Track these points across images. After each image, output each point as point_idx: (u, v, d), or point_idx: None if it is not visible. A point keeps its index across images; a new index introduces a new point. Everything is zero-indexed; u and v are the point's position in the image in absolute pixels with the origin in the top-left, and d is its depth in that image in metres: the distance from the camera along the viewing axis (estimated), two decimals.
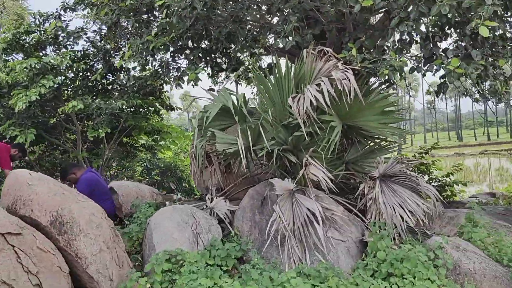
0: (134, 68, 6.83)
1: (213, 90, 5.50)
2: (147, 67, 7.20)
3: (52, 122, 8.92)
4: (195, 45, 5.88)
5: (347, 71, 4.01)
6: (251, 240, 4.02)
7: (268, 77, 4.70)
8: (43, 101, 7.73)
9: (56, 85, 7.57)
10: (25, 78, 6.97)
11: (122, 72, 7.70)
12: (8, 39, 7.56)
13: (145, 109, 8.56)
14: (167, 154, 11.83)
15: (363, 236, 4.01)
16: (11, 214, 2.96)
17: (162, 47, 5.36)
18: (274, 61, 4.61)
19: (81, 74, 8.28)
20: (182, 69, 5.92)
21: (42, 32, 7.70)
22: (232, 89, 5.11)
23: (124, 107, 7.38)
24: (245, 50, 5.63)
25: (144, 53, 5.30)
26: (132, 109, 8.11)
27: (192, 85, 5.13)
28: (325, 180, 3.91)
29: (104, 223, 3.22)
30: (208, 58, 5.95)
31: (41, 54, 7.90)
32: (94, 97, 8.61)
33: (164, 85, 8.41)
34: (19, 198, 3.15)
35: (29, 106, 6.74)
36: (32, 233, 2.81)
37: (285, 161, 4.43)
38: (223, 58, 6.15)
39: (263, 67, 6.90)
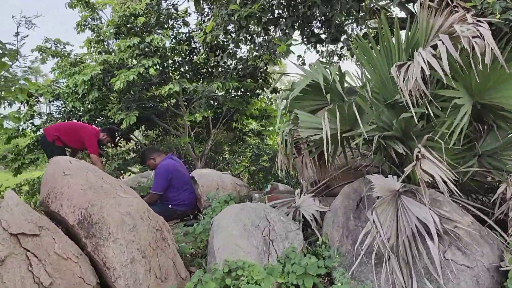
0: (226, 45, 6.29)
1: (304, 64, 4.63)
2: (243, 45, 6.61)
3: (163, 106, 8.99)
4: (289, 14, 5.06)
5: (480, 25, 2.80)
6: (341, 253, 3.14)
7: (374, 46, 3.67)
8: (148, 84, 7.72)
9: (159, 68, 7.47)
10: (129, 59, 6.93)
11: (222, 52, 7.24)
12: (116, 22, 7.62)
13: (244, 92, 8.03)
14: (277, 139, 11.26)
15: (502, 261, 2.83)
16: (43, 209, 2.60)
17: (250, 17, 4.65)
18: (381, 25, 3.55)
19: (187, 57, 8.08)
20: (272, 42, 5.15)
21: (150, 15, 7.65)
22: (329, 65, 4.16)
23: (220, 89, 6.92)
24: (346, 15, 4.63)
25: (230, 25, 4.66)
26: (231, 92, 7.63)
27: (278, 61, 4.34)
28: (445, 179, 2.81)
29: (143, 225, 2.67)
30: (305, 28, 5.09)
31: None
32: (200, 81, 8.40)
33: (268, 65, 7.78)
34: (52, 190, 2.79)
35: (128, 87, 6.67)
36: (51, 234, 2.38)
37: (390, 151, 3.40)
38: (322, 27, 5.22)
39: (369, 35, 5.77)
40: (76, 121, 8.24)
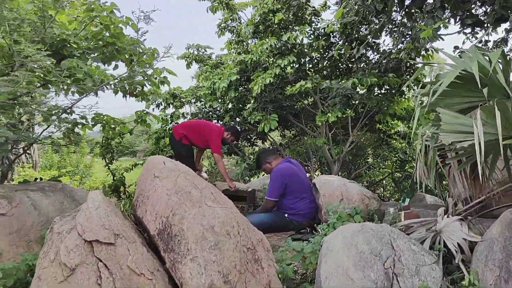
0: (363, 36, 5.61)
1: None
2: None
3: (299, 106, 8.70)
4: None
5: None
6: None
7: None
8: (284, 83, 7.49)
9: (295, 65, 7.18)
10: (266, 60, 6.78)
11: (359, 44, 6.57)
12: (255, 21, 7.56)
13: (388, 89, 7.18)
14: None
15: None
16: (132, 212, 2.43)
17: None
18: None
19: (325, 53, 7.63)
20: (416, 28, 4.33)
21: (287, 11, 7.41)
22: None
23: (360, 87, 6.27)
24: None
25: (365, 11, 4.05)
26: (372, 89, 6.89)
27: (426, 50, 3.55)
28: None
29: (228, 242, 2.27)
30: (459, 8, 4.14)
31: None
32: (338, 78, 7.86)
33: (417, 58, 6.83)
34: (140, 193, 2.62)
35: (264, 89, 6.53)
36: (127, 244, 2.15)
37: None
38: (482, 5, 4.19)
39: None
40: (209, 120, 8.47)
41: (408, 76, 6.85)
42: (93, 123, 6.67)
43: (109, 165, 8.71)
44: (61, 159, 13.89)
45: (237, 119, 8.49)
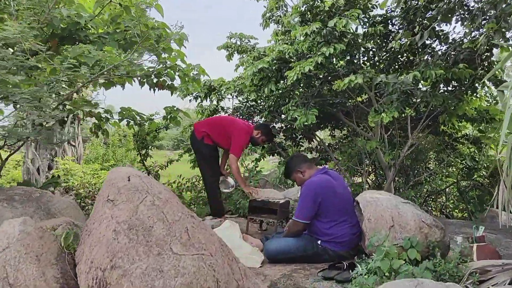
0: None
1: None
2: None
3: (351, 103, 7.80)
4: None
5: None
6: None
7: None
8: (333, 77, 6.64)
9: (346, 57, 6.34)
10: (309, 49, 5.99)
11: (422, 30, 5.58)
12: (302, 9, 6.77)
13: (457, 86, 6.13)
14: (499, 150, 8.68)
15: None
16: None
17: None
18: None
19: (383, 43, 6.69)
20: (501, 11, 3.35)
21: None
22: None
23: (422, 82, 5.32)
24: None
25: None
26: (436, 85, 5.89)
27: None
28: None
29: None
30: None
31: None
32: (398, 72, 6.89)
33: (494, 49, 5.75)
34: (87, 224, 1.92)
35: (307, 79, 5.77)
36: None
37: None
38: None
39: None
40: (251, 117, 7.79)
41: (482, 71, 5.77)
42: (119, 118, 6.22)
43: (144, 161, 8.32)
44: (106, 153, 13.85)
45: (281, 116, 7.78)
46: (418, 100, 6.01)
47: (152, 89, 5.85)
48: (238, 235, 3.16)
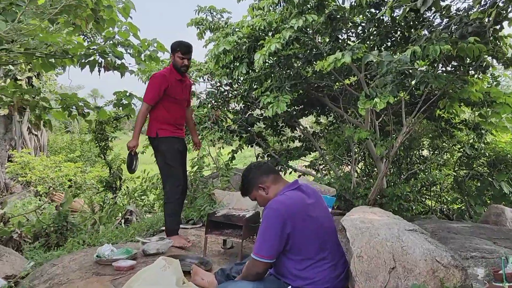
0: None
1: None
2: None
3: (337, 86, 6.93)
4: None
5: None
6: None
7: None
8: (313, 55, 5.74)
9: (329, 32, 5.44)
10: (282, 21, 5.09)
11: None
12: None
13: (460, 65, 5.28)
14: (502, 137, 7.92)
15: None
16: None
17: None
18: None
19: (373, 16, 5.77)
20: None
21: None
22: None
23: (419, 62, 4.45)
24: None
25: None
26: (436, 65, 5.03)
27: None
28: None
29: None
30: None
31: None
32: (390, 50, 6.00)
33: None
34: None
35: (280, 60, 4.87)
36: None
37: None
38: None
39: None
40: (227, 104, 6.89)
41: (493, 46, 4.92)
42: (60, 106, 5.29)
43: (104, 155, 7.38)
44: (72, 142, 12.82)
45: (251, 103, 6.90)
46: (414, 82, 5.15)
47: (98, 72, 4.92)
48: (175, 280, 2.27)
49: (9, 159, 11.46)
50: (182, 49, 3.86)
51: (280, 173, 7.39)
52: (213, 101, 7.09)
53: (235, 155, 7.26)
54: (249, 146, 7.42)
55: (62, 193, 9.34)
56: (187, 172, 4.27)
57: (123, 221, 5.17)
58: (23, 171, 10.27)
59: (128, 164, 3.84)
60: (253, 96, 5.91)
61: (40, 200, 9.12)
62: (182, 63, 3.87)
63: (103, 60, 4.80)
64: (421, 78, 4.52)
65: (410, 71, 4.52)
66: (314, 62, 5.87)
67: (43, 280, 2.84)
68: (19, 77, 10.82)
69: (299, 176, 7.68)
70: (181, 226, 4.38)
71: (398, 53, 5.86)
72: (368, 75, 6.12)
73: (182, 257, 3.07)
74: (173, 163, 3.84)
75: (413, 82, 5.64)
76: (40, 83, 11.39)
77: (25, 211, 6.85)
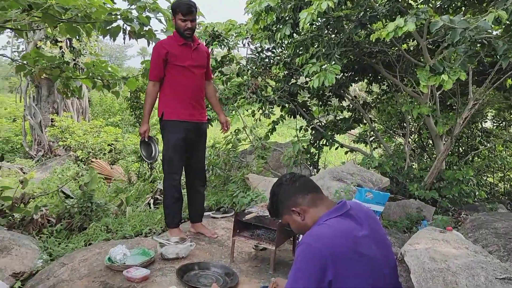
0: None
1: None
2: None
3: (393, 52, 6.13)
4: None
5: None
6: None
7: None
8: (369, 18, 4.99)
9: None
10: None
11: None
12: None
13: None
14: None
15: None
16: None
17: None
18: None
19: None
20: None
21: None
22: None
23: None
24: None
25: None
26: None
27: None
28: None
29: None
30: None
31: None
32: (459, 12, 5.14)
33: None
34: None
35: (330, 23, 4.22)
36: None
37: None
38: None
39: None
40: (268, 71, 6.28)
41: None
42: (84, 77, 4.94)
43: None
44: (111, 106, 12.70)
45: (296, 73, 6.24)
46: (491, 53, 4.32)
47: (123, 39, 4.50)
48: None
49: (52, 122, 11.54)
50: (182, 9, 3.27)
51: (326, 148, 6.92)
52: (254, 68, 6.52)
53: (276, 126, 6.75)
54: (292, 117, 6.84)
55: (101, 159, 9.28)
56: (203, 161, 3.69)
57: (152, 201, 4.85)
58: (63, 136, 10.28)
59: (144, 153, 3.40)
60: (297, 63, 5.27)
61: (78, 166, 9.08)
62: (185, 26, 3.28)
63: (128, 27, 4.32)
64: (505, 51, 3.71)
65: (490, 40, 3.71)
66: (369, 26, 5.13)
67: (48, 286, 2.52)
68: (59, 39, 10.68)
69: (346, 152, 7.04)
70: (210, 214, 3.98)
71: (469, 16, 5.00)
72: (431, 41, 5.30)
73: (205, 265, 2.65)
74: (172, 154, 3.34)
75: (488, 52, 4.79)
76: (80, 45, 11.19)
77: (45, 189, 6.63)
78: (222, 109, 3.95)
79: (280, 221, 2.00)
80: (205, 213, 3.93)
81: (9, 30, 4.34)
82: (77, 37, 10.85)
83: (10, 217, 3.86)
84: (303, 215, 1.83)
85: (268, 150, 4.89)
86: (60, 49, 10.62)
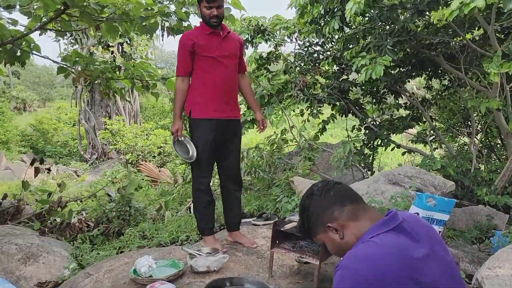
0: None
1: None
2: None
3: (455, 43, 5.57)
4: None
5: None
6: None
7: None
8: (428, 4, 4.53)
9: None
10: None
11: None
12: None
13: None
14: None
15: None
16: None
17: None
18: None
19: None
20: None
21: None
22: None
23: None
24: None
25: None
26: None
27: None
28: None
29: None
30: None
31: None
32: None
33: None
34: None
35: (382, 12, 3.84)
36: None
37: None
38: None
39: None
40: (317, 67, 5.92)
41: None
42: (122, 77, 4.83)
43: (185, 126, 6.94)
44: (163, 110, 12.80)
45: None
46: None
47: (161, 36, 4.31)
48: None
49: (105, 125, 11.83)
50: None
51: (381, 149, 6.42)
52: (302, 64, 6.17)
53: (326, 126, 6.36)
54: (343, 116, 6.42)
55: (150, 161, 9.33)
56: (238, 162, 3.35)
57: (192, 205, 4.65)
58: (113, 139, 10.46)
59: (181, 153, 3.15)
60: (345, 56, 4.88)
61: (127, 169, 9.17)
62: (211, 13, 2.97)
63: (166, 23, 4.16)
64: None
65: None
66: (427, 13, 4.64)
67: None
68: (110, 43, 10.91)
69: (403, 153, 6.51)
70: (251, 221, 3.67)
71: None
72: (500, 27, 4.71)
73: (238, 280, 2.36)
74: (201, 155, 3.04)
75: None
76: (131, 49, 11.37)
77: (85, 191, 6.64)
78: (259, 106, 3.59)
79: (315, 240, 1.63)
80: (246, 220, 3.65)
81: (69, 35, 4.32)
82: (128, 41, 11.04)
83: (49, 221, 3.80)
84: (342, 231, 1.45)
85: (316, 151, 4.52)
86: (111, 54, 10.86)
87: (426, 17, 4.85)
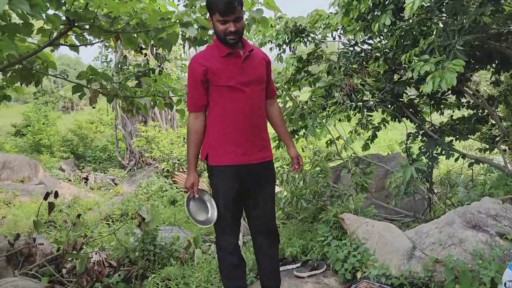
0: None
1: None
2: None
3: None
4: None
5: None
6: None
7: None
8: None
9: None
10: None
11: None
12: None
13: None
14: None
15: None
16: None
17: None
18: None
19: None
20: None
21: None
22: None
23: None
24: None
25: None
26: None
27: None
28: None
29: None
30: None
31: None
32: None
33: None
34: None
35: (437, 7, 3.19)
36: None
37: None
38: None
39: None
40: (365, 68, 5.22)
41: None
42: (141, 95, 4.41)
43: None
44: None
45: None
46: None
47: (182, 47, 3.78)
48: None
49: (140, 132, 11.58)
50: (219, 6, 2.23)
51: (441, 158, 5.60)
52: (347, 64, 5.46)
53: (376, 132, 5.63)
54: (396, 121, 5.66)
55: (185, 172, 8.89)
56: (272, 213, 2.65)
57: None
58: (149, 146, 10.13)
59: (194, 215, 2.44)
60: (403, 60, 4.13)
61: (160, 179, 8.79)
62: (226, 29, 2.28)
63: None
64: None
65: None
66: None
67: None
68: (143, 46, 10.57)
69: (470, 164, 5.63)
70: (294, 272, 3.06)
71: None
72: None
73: None
74: (223, 211, 2.43)
75: None
76: (165, 50, 10.93)
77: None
78: (292, 139, 2.84)
79: None
80: (287, 267, 3.06)
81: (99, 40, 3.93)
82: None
83: (64, 267, 3.38)
84: None
85: (369, 175, 3.78)
86: (144, 56, 10.49)
87: (501, 3, 4.04)
